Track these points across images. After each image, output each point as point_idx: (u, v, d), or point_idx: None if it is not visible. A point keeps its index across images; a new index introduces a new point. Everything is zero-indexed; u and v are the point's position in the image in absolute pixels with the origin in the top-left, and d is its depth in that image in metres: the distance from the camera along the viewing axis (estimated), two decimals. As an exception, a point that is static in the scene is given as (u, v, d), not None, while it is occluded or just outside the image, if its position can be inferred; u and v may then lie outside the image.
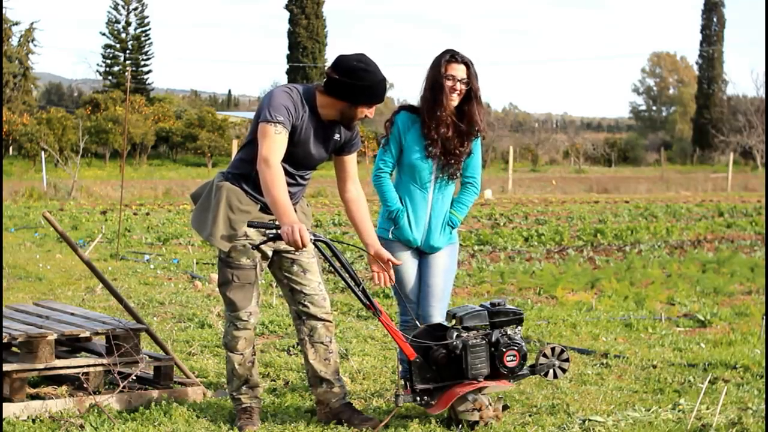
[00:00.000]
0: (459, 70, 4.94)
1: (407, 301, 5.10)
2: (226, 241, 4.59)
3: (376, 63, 4.53)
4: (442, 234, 5.08)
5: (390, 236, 5.08)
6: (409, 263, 5.08)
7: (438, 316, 5.03)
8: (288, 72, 58.16)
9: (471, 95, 4.98)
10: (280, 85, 4.61)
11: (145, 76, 61.77)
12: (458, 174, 5.08)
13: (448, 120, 4.96)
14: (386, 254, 4.79)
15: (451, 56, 4.96)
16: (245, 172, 4.63)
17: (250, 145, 4.59)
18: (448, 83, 4.93)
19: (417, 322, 4.97)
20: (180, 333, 7.13)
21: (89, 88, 68.05)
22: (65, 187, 26.29)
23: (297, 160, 4.62)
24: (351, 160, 4.83)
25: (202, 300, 8.71)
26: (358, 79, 4.46)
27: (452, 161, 5.00)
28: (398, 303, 5.27)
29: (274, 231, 4.44)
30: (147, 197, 26.75)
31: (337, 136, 4.68)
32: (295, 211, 4.69)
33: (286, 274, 4.75)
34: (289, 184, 4.58)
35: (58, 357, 5.14)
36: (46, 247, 13.30)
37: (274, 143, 4.42)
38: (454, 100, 4.96)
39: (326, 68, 4.57)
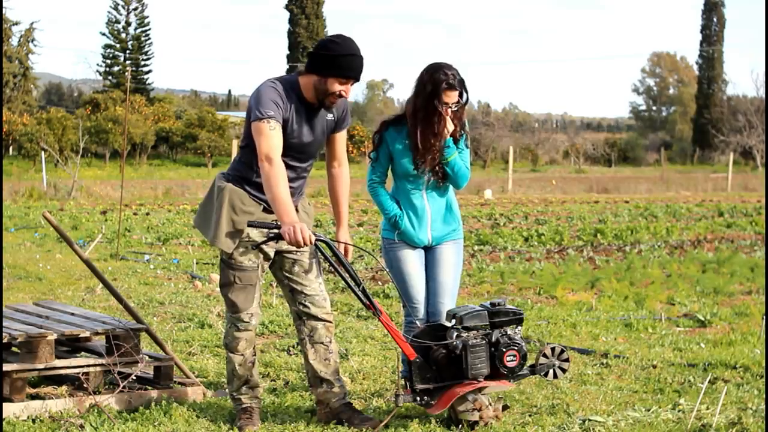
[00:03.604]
0: (453, 96, 4.89)
1: (412, 301, 5.09)
2: (229, 243, 4.59)
3: (353, 41, 4.54)
4: (444, 225, 5.09)
5: (396, 238, 5.09)
6: (415, 260, 5.07)
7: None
8: (288, 72, 58.22)
9: (459, 114, 5.00)
10: (264, 81, 4.61)
11: (145, 76, 61.79)
12: (449, 175, 5.06)
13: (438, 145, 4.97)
14: (342, 239, 4.85)
15: (448, 84, 4.83)
16: (246, 175, 4.63)
17: (248, 148, 4.58)
18: (440, 109, 4.88)
19: (425, 322, 4.99)
20: (180, 333, 7.13)
21: (89, 88, 68.05)
22: (65, 187, 26.29)
23: (296, 150, 4.62)
24: (340, 138, 4.83)
25: (202, 300, 8.71)
26: (327, 50, 4.49)
27: (437, 168, 5.02)
28: (403, 305, 5.25)
29: (275, 231, 4.44)
30: (147, 197, 26.75)
31: (330, 116, 4.69)
32: (297, 210, 4.70)
33: (287, 274, 4.75)
34: (291, 178, 4.59)
35: (58, 357, 5.14)
36: (46, 247, 13.29)
37: (271, 139, 4.42)
38: (449, 124, 4.94)
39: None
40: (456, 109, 4.93)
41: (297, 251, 4.68)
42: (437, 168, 5.01)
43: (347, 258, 4.84)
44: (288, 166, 4.57)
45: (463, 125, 5.05)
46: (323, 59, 4.49)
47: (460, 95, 4.94)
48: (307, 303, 4.74)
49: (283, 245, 4.62)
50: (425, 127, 4.91)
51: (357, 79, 4.58)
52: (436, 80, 4.83)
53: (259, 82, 4.61)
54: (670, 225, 16.72)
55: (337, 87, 4.54)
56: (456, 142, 5.02)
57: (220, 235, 4.58)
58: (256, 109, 4.47)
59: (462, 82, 4.91)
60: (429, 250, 5.13)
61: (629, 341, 7.05)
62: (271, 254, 4.70)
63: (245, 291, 4.66)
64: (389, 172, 5.17)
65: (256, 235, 4.61)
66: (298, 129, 4.59)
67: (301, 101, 4.59)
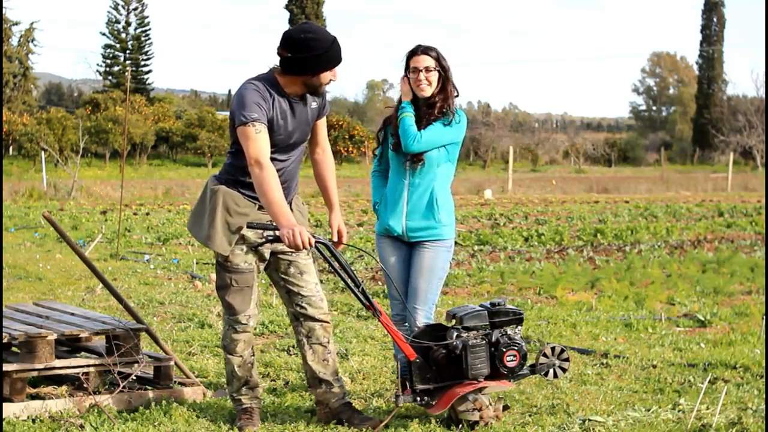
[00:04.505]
0: (422, 60, 4.97)
1: (392, 297, 5.12)
2: (225, 245, 4.57)
3: (321, 27, 4.54)
4: (422, 220, 5.02)
5: (377, 228, 5.18)
6: (394, 259, 5.09)
7: (421, 317, 4.99)
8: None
9: (443, 83, 5.01)
10: (243, 83, 4.58)
11: (145, 76, 61.79)
12: (421, 160, 4.99)
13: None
14: (335, 222, 4.88)
15: (412, 51, 5.02)
16: (238, 177, 4.61)
17: (239, 153, 4.54)
18: (413, 77, 4.98)
19: (404, 318, 5.03)
20: (180, 333, 7.13)
21: (89, 88, 68.06)
22: (65, 187, 26.30)
23: (284, 146, 4.61)
24: (321, 125, 4.84)
25: (202, 300, 8.71)
26: (310, 50, 4.44)
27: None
28: (389, 296, 5.28)
29: (272, 233, 4.43)
30: (147, 197, 26.76)
31: (314, 104, 4.69)
32: (291, 209, 4.69)
33: (282, 276, 4.74)
34: (284, 172, 4.58)
35: (58, 357, 5.14)
36: (46, 247, 13.30)
37: (259, 142, 4.40)
38: (425, 90, 4.97)
39: (277, 48, 4.57)
40: (434, 69, 4.96)
41: (292, 252, 4.66)
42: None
43: (343, 240, 4.86)
44: (279, 161, 4.56)
45: (447, 100, 5.01)
46: (310, 60, 4.45)
47: (441, 67, 4.98)
48: (303, 304, 4.74)
49: (279, 246, 4.61)
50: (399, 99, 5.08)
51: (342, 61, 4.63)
52: (407, 54, 5.05)
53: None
54: (670, 225, 16.72)
55: (329, 76, 4.56)
56: (441, 114, 4.99)
57: (215, 237, 4.55)
58: (240, 113, 4.42)
59: (436, 54, 4.98)
60: (411, 251, 5.10)
61: (629, 341, 7.05)
62: (267, 255, 4.69)
63: (242, 293, 4.65)
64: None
65: (252, 236, 4.60)
66: (284, 124, 4.58)
67: (282, 97, 4.57)
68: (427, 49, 5.00)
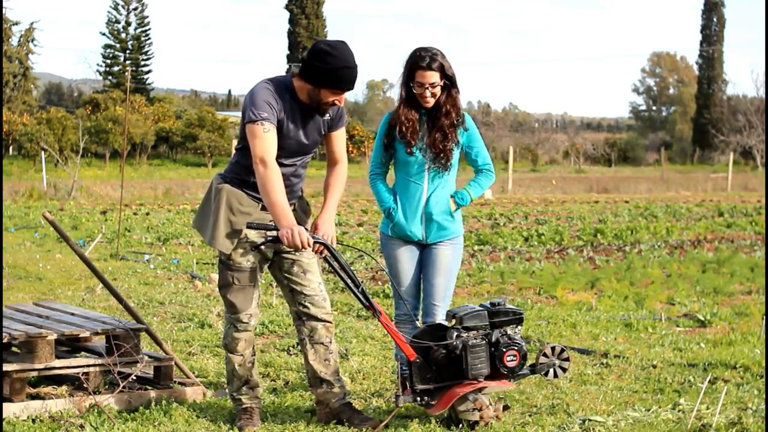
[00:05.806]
0: (428, 77, 4.91)
1: (401, 296, 5.12)
2: (227, 244, 4.58)
3: (348, 51, 4.48)
4: (441, 224, 5.07)
5: (390, 233, 5.11)
6: (407, 260, 5.10)
7: (440, 314, 5.05)
8: (288, 72, 58.19)
9: (447, 91, 4.99)
10: (258, 82, 4.60)
11: (145, 76, 61.79)
12: (449, 165, 5.06)
13: (418, 119, 5.03)
14: (319, 223, 4.68)
15: (417, 64, 4.92)
16: (243, 176, 4.62)
17: (245, 150, 4.56)
18: (417, 90, 4.96)
19: (412, 317, 5.04)
20: (180, 333, 7.13)
21: (89, 88, 68.04)
22: (65, 187, 26.29)
23: (292, 150, 4.62)
24: (337, 136, 4.80)
25: (202, 300, 8.71)
26: (321, 62, 4.44)
27: (441, 155, 5.02)
28: (393, 296, 5.28)
29: (273, 233, 4.44)
30: (147, 197, 26.74)
31: (327, 115, 4.68)
32: (295, 209, 4.70)
33: (286, 275, 4.74)
34: (288, 176, 4.58)
35: (58, 357, 5.14)
36: (46, 247, 13.29)
37: (265, 142, 4.41)
38: (429, 102, 4.98)
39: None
40: (439, 85, 4.93)
41: (295, 251, 4.67)
42: (435, 151, 5.01)
43: (332, 242, 4.80)
44: (284, 165, 4.57)
45: (456, 106, 5.02)
46: (317, 71, 4.45)
47: (446, 78, 4.95)
48: (306, 303, 4.74)
49: (282, 246, 4.62)
50: (407, 105, 5.01)
51: (351, 89, 4.59)
52: (410, 63, 4.97)
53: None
54: (670, 225, 16.72)
55: (330, 98, 4.53)
56: (454, 127, 5.02)
57: (218, 236, 4.58)
58: (250, 110, 4.45)
59: (441, 66, 4.92)
60: (425, 249, 5.13)
61: (629, 341, 7.05)
62: (270, 255, 4.70)
63: (244, 292, 4.66)
64: (391, 167, 5.21)
65: (254, 235, 4.61)
66: (294, 129, 4.59)
67: (295, 101, 4.57)
68: (432, 62, 4.90)
